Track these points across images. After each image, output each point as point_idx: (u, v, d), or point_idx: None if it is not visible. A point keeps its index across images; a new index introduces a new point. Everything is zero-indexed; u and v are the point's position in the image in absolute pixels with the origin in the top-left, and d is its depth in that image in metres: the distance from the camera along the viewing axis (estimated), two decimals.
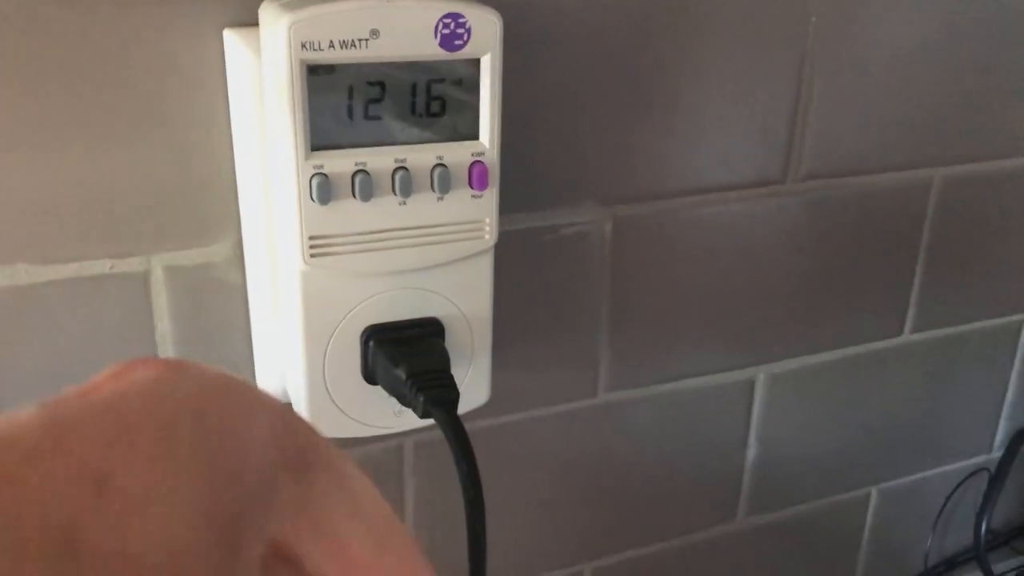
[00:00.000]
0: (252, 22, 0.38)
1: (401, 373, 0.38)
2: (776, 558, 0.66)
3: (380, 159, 0.37)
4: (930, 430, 0.67)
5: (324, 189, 0.36)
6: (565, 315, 0.51)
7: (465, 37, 0.36)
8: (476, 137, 0.38)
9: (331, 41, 0.34)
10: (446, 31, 0.36)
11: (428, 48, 0.36)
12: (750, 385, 0.58)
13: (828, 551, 0.68)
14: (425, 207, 0.38)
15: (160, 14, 0.37)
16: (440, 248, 0.39)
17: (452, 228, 0.39)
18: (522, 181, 0.46)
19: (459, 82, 0.37)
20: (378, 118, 0.37)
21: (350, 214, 0.37)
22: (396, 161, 0.37)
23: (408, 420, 0.40)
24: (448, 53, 0.36)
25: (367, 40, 0.35)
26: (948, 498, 0.71)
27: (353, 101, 0.36)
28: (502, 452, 0.52)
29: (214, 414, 0.15)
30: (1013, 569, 0.74)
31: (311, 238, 0.37)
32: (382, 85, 0.36)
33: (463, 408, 0.39)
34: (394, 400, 0.40)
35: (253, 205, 0.40)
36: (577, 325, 0.51)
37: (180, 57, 0.38)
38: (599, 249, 0.50)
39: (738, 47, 0.49)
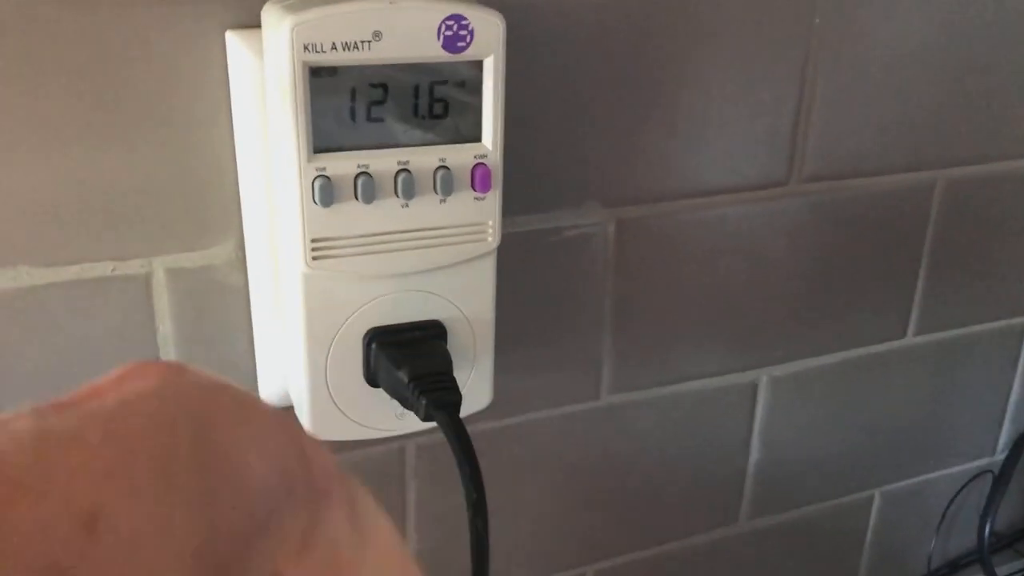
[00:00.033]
0: (254, 24, 0.38)
1: (403, 376, 0.38)
2: (779, 561, 0.65)
3: (383, 161, 0.37)
4: (933, 432, 0.67)
5: (326, 191, 0.36)
6: (568, 317, 0.50)
7: (468, 39, 0.36)
8: (479, 139, 0.38)
9: (333, 43, 0.34)
10: (449, 33, 0.35)
11: (431, 50, 0.36)
12: (753, 387, 0.58)
13: (831, 554, 0.68)
14: (428, 209, 0.38)
15: (162, 15, 0.37)
16: (443, 250, 0.39)
17: (455, 230, 0.39)
18: (525, 183, 0.46)
19: (462, 84, 0.37)
20: (380, 120, 0.36)
21: (352, 216, 0.37)
22: (399, 163, 0.37)
23: (410, 423, 0.40)
24: (451, 55, 0.36)
25: (369, 42, 0.35)
26: (951, 501, 0.70)
27: (355, 103, 0.36)
28: (504, 455, 0.52)
29: (217, 437, 0.14)
30: (1017, 571, 0.74)
31: (313, 240, 0.37)
32: (384, 87, 0.36)
33: (465, 411, 0.39)
34: (396, 403, 0.39)
35: (255, 207, 0.40)
36: (580, 327, 0.51)
37: (182, 59, 0.38)
38: (602, 251, 0.50)
39: (741, 49, 0.48)
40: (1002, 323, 0.65)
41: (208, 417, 0.15)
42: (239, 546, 0.14)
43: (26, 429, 0.13)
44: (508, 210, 0.40)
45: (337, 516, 0.16)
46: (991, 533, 0.71)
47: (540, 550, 0.56)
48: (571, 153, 0.47)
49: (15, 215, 0.38)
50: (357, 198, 0.36)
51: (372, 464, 0.49)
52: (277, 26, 0.34)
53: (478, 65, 0.37)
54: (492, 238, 0.40)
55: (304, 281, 0.38)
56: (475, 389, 0.42)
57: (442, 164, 0.37)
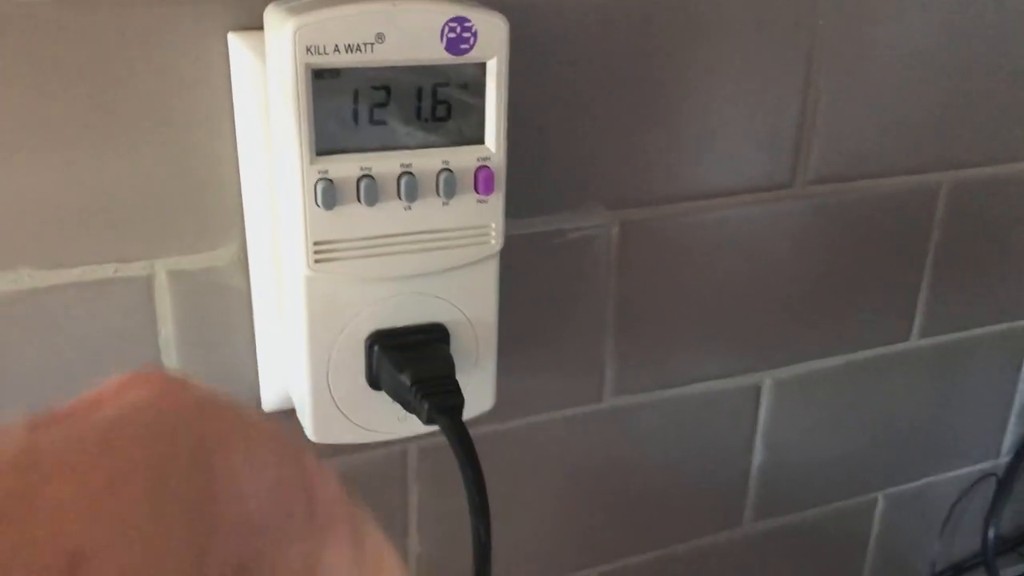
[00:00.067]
0: (257, 25, 0.37)
1: (406, 379, 0.38)
2: (782, 563, 0.65)
3: (385, 164, 0.36)
4: (937, 435, 0.67)
5: (329, 194, 0.36)
6: (571, 320, 0.50)
7: (471, 41, 0.36)
8: (482, 141, 0.38)
9: (336, 45, 0.34)
10: (452, 35, 0.35)
11: (434, 52, 0.35)
12: (756, 390, 0.58)
13: (834, 557, 0.68)
14: (430, 212, 0.38)
15: (164, 17, 0.37)
16: (445, 253, 0.39)
17: (458, 233, 0.38)
18: (528, 185, 0.45)
19: (465, 86, 0.37)
20: (383, 122, 0.36)
21: (355, 219, 0.37)
22: (401, 166, 0.37)
23: (412, 426, 0.40)
24: (454, 57, 0.36)
25: (372, 44, 0.34)
26: (955, 504, 0.70)
27: (358, 105, 0.36)
28: (507, 457, 0.52)
29: (215, 461, 0.14)
30: (1021, 575, 0.73)
31: (316, 243, 0.37)
32: (387, 89, 0.36)
33: (468, 414, 0.39)
34: (398, 406, 0.39)
35: (258, 210, 0.40)
36: (583, 330, 0.51)
37: (184, 61, 0.38)
38: (605, 253, 0.49)
39: (745, 51, 0.48)
40: (1006, 326, 0.65)
41: (207, 438, 0.14)
42: None
43: (16, 448, 0.12)
44: (511, 212, 0.40)
45: (341, 550, 0.15)
46: (995, 536, 0.71)
47: (543, 553, 0.56)
48: (574, 155, 0.47)
49: (17, 217, 0.37)
50: (360, 201, 0.36)
51: (374, 467, 0.48)
52: (280, 28, 0.34)
53: (481, 67, 0.37)
54: (495, 241, 0.39)
55: (306, 284, 0.38)
56: (478, 392, 0.42)
57: (445, 166, 0.37)
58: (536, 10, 0.43)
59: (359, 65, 0.35)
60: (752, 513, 0.62)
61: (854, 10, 0.50)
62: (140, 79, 0.37)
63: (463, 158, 0.38)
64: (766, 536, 0.63)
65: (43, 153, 0.37)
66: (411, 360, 0.38)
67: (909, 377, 0.63)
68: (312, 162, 0.35)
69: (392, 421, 0.41)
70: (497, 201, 0.39)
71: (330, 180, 0.36)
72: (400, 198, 0.37)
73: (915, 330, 0.62)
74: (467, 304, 0.41)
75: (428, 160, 0.37)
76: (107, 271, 0.40)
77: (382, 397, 0.40)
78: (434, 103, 0.37)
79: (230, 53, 0.38)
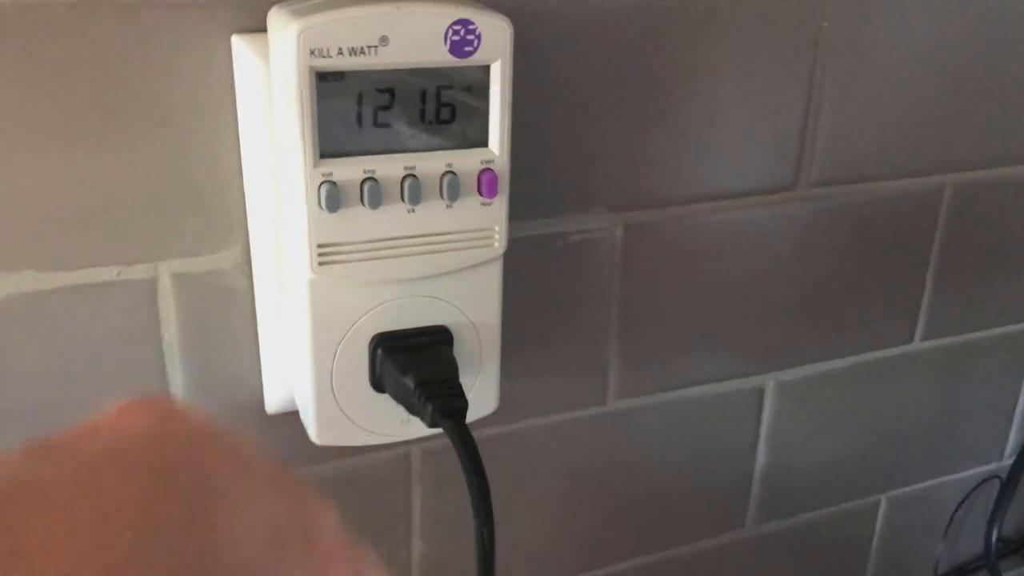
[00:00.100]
0: (261, 28, 0.37)
1: (409, 382, 0.38)
2: (785, 566, 0.65)
3: (389, 166, 0.36)
4: (940, 437, 0.67)
5: (333, 197, 0.36)
6: (574, 322, 0.50)
7: (475, 43, 0.36)
8: (485, 144, 0.38)
9: (340, 48, 0.34)
10: (456, 37, 0.35)
11: (438, 55, 0.35)
12: (760, 392, 0.58)
13: (837, 559, 0.68)
14: (434, 215, 0.38)
15: (168, 19, 0.37)
16: (449, 256, 0.39)
17: (461, 236, 0.38)
18: (531, 187, 0.45)
19: (469, 89, 0.37)
20: (387, 125, 0.36)
21: (359, 222, 0.37)
22: (405, 168, 0.37)
23: (416, 429, 0.40)
24: (458, 60, 0.36)
25: (376, 47, 0.34)
26: (958, 506, 0.70)
27: (362, 108, 0.36)
28: (511, 460, 0.52)
29: (209, 502, 0.13)
30: None
31: (319, 246, 0.36)
32: (391, 92, 0.36)
33: (471, 416, 0.39)
34: (402, 408, 0.39)
35: (261, 212, 0.40)
36: (586, 332, 0.51)
37: (188, 63, 0.38)
38: (609, 256, 0.49)
39: (749, 53, 0.48)
40: (1010, 328, 0.65)
41: (203, 475, 0.14)
42: None
43: (10, 478, 0.12)
44: (514, 214, 0.40)
45: None
46: (998, 539, 0.71)
47: (545, 555, 0.56)
48: (578, 157, 0.47)
49: (19, 219, 0.37)
50: (363, 203, 0.36)
51: (377, 469, 0.48)
52: (284, 31, 0.34)
53: (485, 70, 0.36)
54: (499, 243, 0.39)
55: (310, 286, 0.38)
56: (481, 395, 0.42)
57: (449, 169, 0.37)
58: (539, 12, 0.43)
59: (363, 68, 0.35)
60: (755, 515, 0.62)
61: (858, 12, 0.50)
62: (143, 81, 0.37)
63: (467, 161, 0.37)
64: (769, 539, 0.63)
65: (46, 155, 0.37)
66: (414, 363, 0.38)
67: (912, 379, 0.63)
68: (316, 165, 0.35)
69: (395, 424, 0.41)
70: (501, 204, 0.39)
71: (334, 183, 0.36)
72: (404, 201, 0.37)
73: (918, 332, 0.61)
74: (470, 307, 0.40)
75: (432, 163, 0.37)
76: (110, 273, 0.39)
77: (386, 400, 0.40)
78: (438, 106, 0.37)
79: (234, 55, 0.38)
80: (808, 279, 0.56)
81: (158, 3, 0.37)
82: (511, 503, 0.53)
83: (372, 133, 0.36)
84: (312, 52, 0.34)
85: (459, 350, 0.40)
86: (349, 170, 0.36)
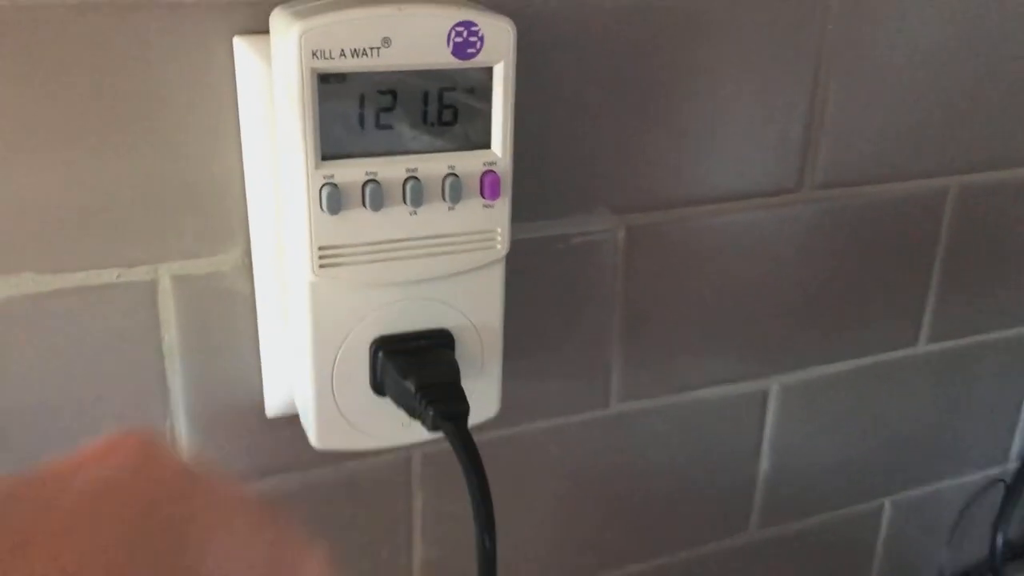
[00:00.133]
0: (263, 29, 0.37)
1: (410, 385, 0.37)
2: (788, 570, 0.65)
3: (391, 168, 0.36)
4: (945, 441, 0.67)
5: (334, 199, 0.35)
6: (577, 325, 0.50)
7: (478, 45, 0.35)
8: (488, 146, 0.38)
9: (342, 49, 0.34)
10: (459, 39, 0.35)
11: (440, 56, 0.35)
12: (763, 396, 0.58)
13: (841, 564, 0.67)
14: (436, 217, 0.37)
15: (169, 20, 0.37)
16: (451, 258, 0.38)
17: (463, 238, 0.38)
18: (533, 189, 0.45)
19: (471, 90, 0.37)
20: (389, 127, 0.36)
21: (360, 224, 0.36)
22: (407, 170, 0.36)
23: (417, 432, 0.40)
24: (460, 61, 0.35)
25: (379, 48, 0.34)
26: (963, 510, 0.70)
27: (364, 110, 0.35)
28: (512, 463, 0.52)
29: (191, 541, 0.13)
30: None
31: (320, 248, 0.36)
32: (393, 94, 0.36)
33: (473, 420, 0.38)
34: (403, 412, 0.39)
35: (262, 214, 0.40)
36: (589, 335, 0.50)
37: (189, 64, 0.38)
38: (611, 258, 0.49)
39: (753, 54, 0.48)
40: (1015, 331, 0.64)
41: (185, 515, 0.14)
42: None
43: None
44: (516, 216, 0.40)
45: None
46: (1003, 543, 0.71)
47: (547, 558, 0.56)
48: (581, 159, 0.46)
49: (19, 220, 0.37)
50: (365, 205, 0.36)
51: (378, 473, 0.48)
52: (285, 32, 0.34)
53: (488, 72, 0.36)
54: (501, 246, 0.39)
55: (311, 289, 0.37)
56: (483, 398, 0.42)
57: (451, 171, 0.37)
58: (541, 13, 0.42)
59: (365, 69, 0.34)
60: (758, 519, 0.62)
61: (863, 14, 0.50)
62: (144, 82, 0.37)
63: (469, 163, 0.37)
64: (772, 543, 0.63)
65: (46, 156, 0.37)
66: (416, 366, 0.38)
67: (917, 382, 0.63)
68: (317, 167, 0.35)
69: (396, 427, 0.40)
70: (503, 206, 0.38)
71: (335, 185, 0.35)
72: (406, 203, 0.37)
73: (923, 335, 0.61)
74: (472, 309, 0.40)
75: (434, 165, 0.37)
76: (110, 275, 0.39)
77: (386, 403, 0.40)
78: (440, 107, 0.36)
79: (235, 57, 0.38)
80: (812, 281, 0.56)
81: (159, 4, 0.36)
82: (513, 506, 0.53)
83: (374, 135, 0.36)
84: (314, 53, 0.34)
85: (461, 353, 0.40)
86: (351, 172, 0.36)
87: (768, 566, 0.64)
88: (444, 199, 0.37)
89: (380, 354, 0.39)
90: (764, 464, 0.60)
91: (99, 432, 0.40)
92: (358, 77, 0.35)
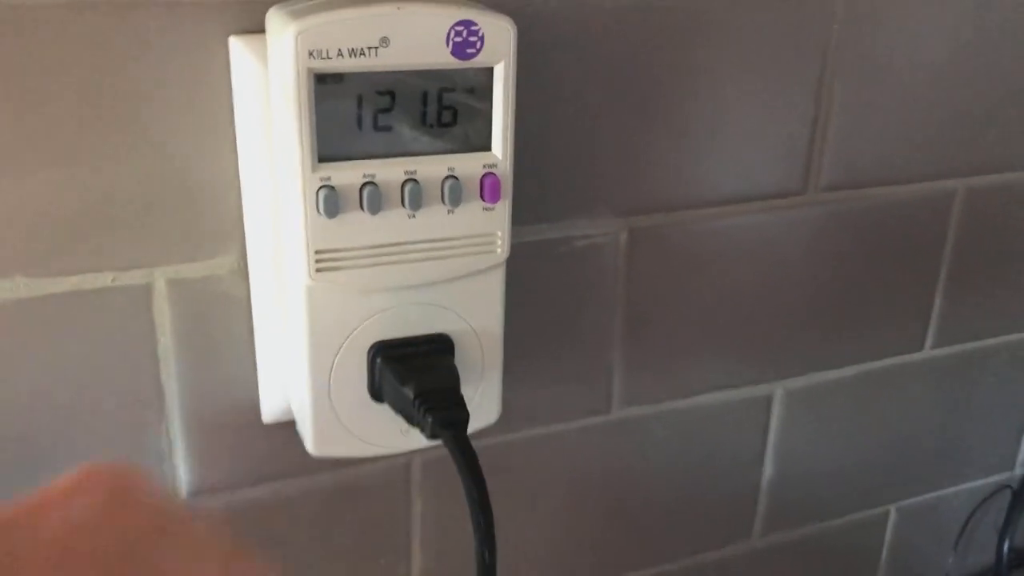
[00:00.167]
0: (259, 29, 0.37)
1: (409, 392, 0.37)
2: None
3: (389, 171, 0.36)
4: (951, 447, 0.66)
5: (331, 202, 0.35)
6: (578, 329, 0.49)
7: (478, 45, 0.35)
8: (488, 148, 0.37)
9: (339, 49, 0.33)
10: (458, 39, 0.34)
11: (440, 56, 0.34)
12: (767, 401, 0.57)
13: (846, 570, 0.67)
14: (435, 220, 0.37)
15: (164, 20, 0.36)
16: (450, 262, 0.38)
17: (463, 242, 0.38)
18: (534, 191, 0.44)
19: (471, 91, 0.36)
20: (388, 128, 0.35)
21: (358, 227, 0.36)
22: (406, 173, 0.36)
23: (415, 439, 0.39)
24: (460, 61, 0.35)
25: (377, 48, 0.34)
26: (969, 516, 0.69)
27: (362, 111, 0.35)
28: (513, 469, 0.51)
29: None
30: None
31: (317, 252, 0.36)
32: (392, 94, 0.35)
33: (473, 426, 0.38)
34: (401, 419, 0.38)
35: (258, 217, 0.39)
36: (590, 339, 0.50)
37: (184, 65, 0.37)
38: (613, 261, 0.48)
39: (757, 55, 0.47)
40: (1022, 335, 0.64)
41: (154, 554, 0.14)
42: None
43: None
44: (517, 219, 0.39)
45: None
46: (1010, 549, 0.70)
47: (548, 565, 0.55)
48: (582, 161, 0.46)
49: (11, 224, 0.37)
50: (363, 208, 0.35)
51: (377, 479, 0.48)
52: (281, 32, 0.33)
53: (488, 72, 0.36)
54: (501, 249, 0.38)
55: (307, 293, 0.37)
56: (483, 404, 0.41)
57: (450, 173, 0.36)
58: (541, 13, 0.42)
59: (363, 70, 0.34)
60: (762, 526, 0.61)
61: (869, 15, 0.49)
62: (139, 82, 0.37)
63: (469, 165, 0.37)
64: (776, 550, 0.62)
65: (39, 158, 0.36)
66: (414, 372, 0.38)
67: (922, 388, 0.62)
68: (314, 169, 0.35)
69: (395, 434, 0.40)
70: (504, 209, 0.38)
71: (332, 187, 0.35)
72: (404, 206, 0.36)
73: (929, 340, 0.60)
74: (472, 314, 0.40)
75: (433, 167, 0.36)
76: (104, 280, 0.39)
77: (384, 409, 0.39)
78: (439, 108, 0.36)
79: (231, 57, 0.37)
80: (817, 285, 0.55)
81: (155, 3, 0.36)
82: (514, 513, 0.52)
83: (372, 136, 0.35)
84: (311, 53, 0.33)
85: (460, 359, 0.40)
86: (348, 174, 0.35)
87: (772, 573, 0.63)
88: (443, 202, 0.37)
89: (378, 360, 0.38)
90: (768, 470, 0.59)
91: (98, 432, 0.40)
92: (356, 77, 0.34)
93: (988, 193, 0.57)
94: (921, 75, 0.52)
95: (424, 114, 0.36)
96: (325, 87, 0.34)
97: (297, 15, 0.33)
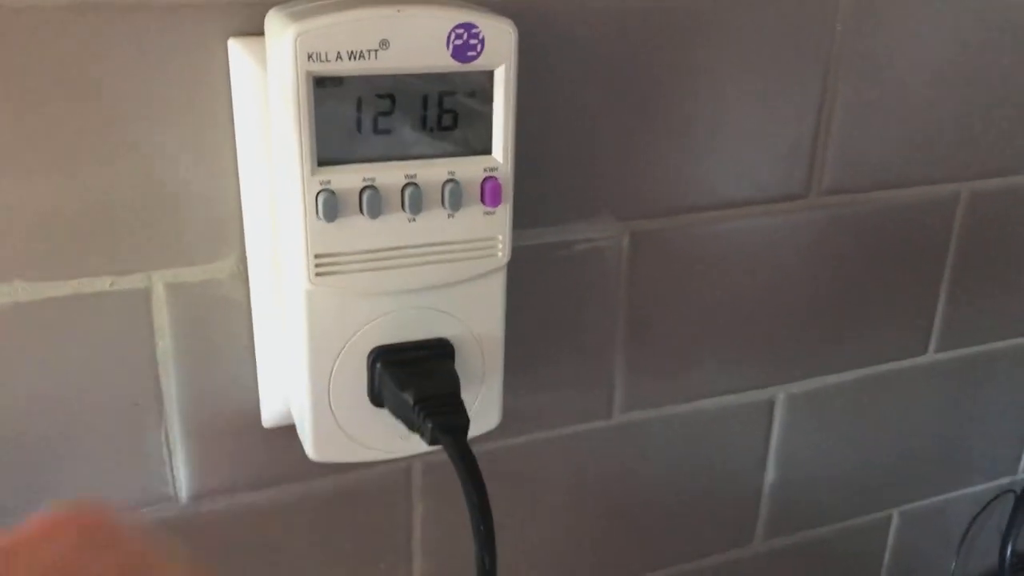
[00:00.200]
0: (258, 31, 0.36)
1: (408, 397, 0.37)
2: None
3: (389, 174, 0.35)
4: (954, 451, 0.66)
5: (331, 206, 0.35)
6: (579, 333, 0.49)
7: (478, 48, 0.34)
8: (489, 152, 0.37)
9: (339, 52, 0.33)
10: (459, 42, 0.34)
11: (440, 59, 0.34)
12: (769, 405, 0.57)
13: (848, 575, 0.66)
14: (435, 224, 0.36)
15: (164, 22, 0.36)
16: (451, 267, 0.37)
17: (463, 246, 0.37)
18: (535, 195, 0.44)
19: (472, 94, 0.36)
20: (387, 132, 0.35)
21: (357, 231, 0.35)
22: (406, 176, 0.36)
23: (415, 445, 0.39)
24: (461, 64, 0.35)
25: (376, 51, 0.33)
26: (972, 521, 0.69)
27: (362, 114, 0.35)
28: (513, 474, 0.51)
29: None
30: None
31: (317, 256, 0.35)
32: (392, 98, 0.35)
33: (474, 432, 0.38)
34: (401, 424, 0.38)
35: (258, 221, 0.39)
36: (592, 344, 0.50)
37: (183, 67, 0.37)
38: (615, 265, 0.48)
39: (760, 58, 0.47)
40: None
41: None
42: None
43: None
44: (518, 223, 0.39)
45: None
46: (1013, 554, 0.70)
47: (550, 570, 0.55)
48: (584, 165, 0.46)
49: (9, 228, 0.36)
50: (362, 212, 0.35)
51: (377, 483, 0.47)
52: (281, 34, 0.33)
53: (489, 75, 0.35)
54: (502, 253, 0.38)
55: (307, 297, 0.37)
56: (483, 409, 0.41)
57: (451, 177, 0.36)
58: (545, 16, 0.42)
59: (363, 73, 0.34)
60: (764, 530, 0.61)
61: (873, 17, 0.49)
62: (138, 85, 0.36)
63: (469, 168, 0.36)
64: (778, 554, 0.62)
65: (37, 161, 0.36)
66: (414, 377, 0.37)
67: (925, 392, 0.62)
68: (313, 172, 0.34)
69: (394, 439, 0.39)
70: (504, 213, 0.37)
71: (332, 191, 0.35)
72: (404, 210, 0.36)
73: (932, 344, 0.60)
74: (473, 319, 0.39)
75: (433, 171, 0.36)
76: (103, 283, 0.38)
77: (384, 414, 0.39)
78: (440, 112, 0.36)
79: (230, 59, 0.37)
80: (819, 289, 0.55)
81: (154, 5, 0.36)
82: (515, 518, 0.52)
83: (372, 140, 0.35)
84: (310, 56, 0.33)
85: (461, 363, 0.39)
86: (348, 178, 0.35)
87: None
88: (444, 206, 0.36)
89: (378, 365, 0.38)
90: (770, 474, 0.59)
91: (97, 436, 0.40)
92: (355, 80, 0.34)
93: (992, 197, 0.57)
94: (925, 78, 0.52)
95: (424, 117, 0.35)
96: (324, 90, 0.34)
97: (296, 17, 0.33)
